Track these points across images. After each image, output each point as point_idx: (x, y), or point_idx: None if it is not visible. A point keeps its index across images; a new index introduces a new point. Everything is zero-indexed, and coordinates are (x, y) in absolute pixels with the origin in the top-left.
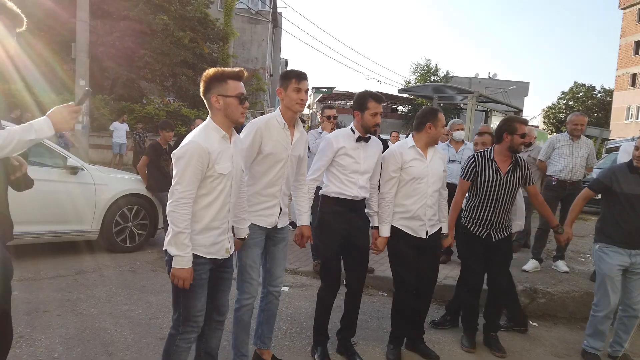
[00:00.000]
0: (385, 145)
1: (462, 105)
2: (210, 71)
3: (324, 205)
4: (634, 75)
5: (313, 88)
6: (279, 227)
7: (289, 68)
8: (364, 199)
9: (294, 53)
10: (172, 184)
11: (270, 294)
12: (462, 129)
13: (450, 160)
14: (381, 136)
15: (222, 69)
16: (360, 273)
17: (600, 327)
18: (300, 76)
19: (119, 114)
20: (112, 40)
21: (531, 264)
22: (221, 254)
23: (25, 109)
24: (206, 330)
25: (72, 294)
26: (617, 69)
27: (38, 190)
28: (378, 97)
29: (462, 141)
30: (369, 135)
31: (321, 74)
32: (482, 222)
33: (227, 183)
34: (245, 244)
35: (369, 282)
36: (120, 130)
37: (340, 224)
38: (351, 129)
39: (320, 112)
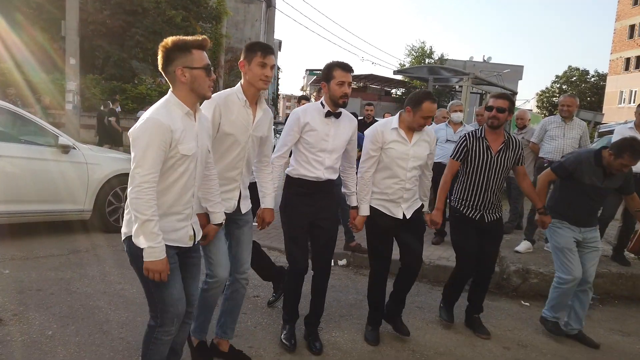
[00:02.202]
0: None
1: (457, 87)
2: (171, 40)
3: (288, 186)
4: (627, 60)
5: (307, 70)
6: (242, 211)
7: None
8: (330, 180)
9: (288, 34)
10: (132, 167)
11: (237, 282)
12: (460, 111)
13: (447, 140)
14: (375, 118)
15: (183, 37)
16: (326, 256)
17: (564, 299)
18: (267, 49)
19: (111, 94)
20: (102, 19)
21: (524, 245)
22: (184, 241)
23: (17, 88)
24: None
25: (66, 273)
26: (611, 53)
27: (29, 168)
28: (345, 65)
29: (461, 123)
30: (340, 110)
31: (316, 55)
32: (474, 204)
33: (191, 165)
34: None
35: (364, 262)
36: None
37: (305, 205)
38: (321, 103)
39: (316, 93)
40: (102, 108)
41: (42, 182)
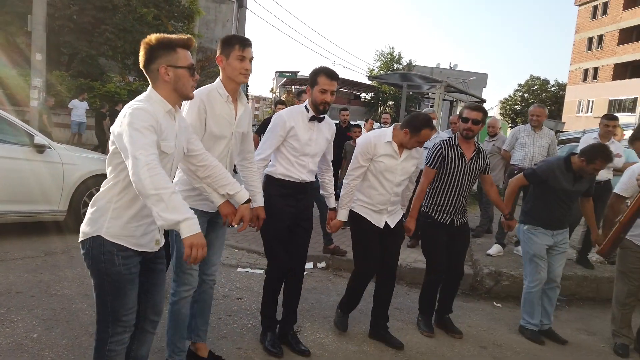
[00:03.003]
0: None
1: (430, 94)
2: (155, 37)
3: (270, 187)
4: (586, 71)
5: (277, 72)
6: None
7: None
8: (311, 182)
9: (259, 35)
10: (129, 155)
11: (204, 283)
12: (434, 118)
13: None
14: (351, 123)
15: (168, 35)
16: (303, 256)
17: (535, 302)
18: (245, 42)
19: (78, 91)
20: (70, 14)
21: (495, 249)
22: (151, 246)
23: None
24: (137, 334)
25: (44, 275)
26: (570, 64)
27: (2, 168)
28: (331, 73)
29: (435, 129)
30: (322, 115)
31: (286, 58)
32: (446, 209)
33: (167, 165)
34: None
35: (343, 265)
36: (79, 109)
37: (288, 206)
38: (305, 106)
39: (296, 96)
40: (101, 110)
41: (16, 181)
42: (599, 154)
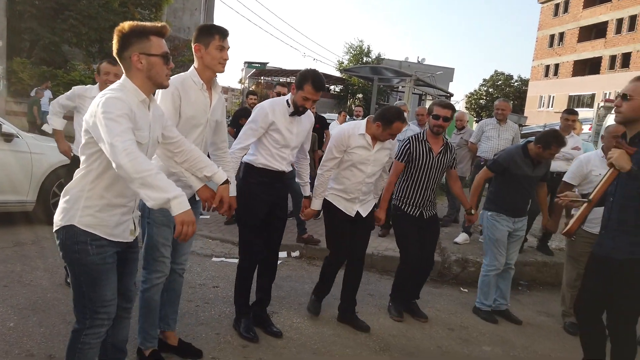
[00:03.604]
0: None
1: (399, 87)
2: (128, 24)
3: (250, 175)
4: (547, 67)
5: (246, 62)
6: (196, 198)
7: None
8: (290, 172)
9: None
10: (106, 144)
11: (174, 272)
12: (405, 111)
13: None
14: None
15: (142, 22)
16: (277, 243)
17: (491, 284)
18: (224, 33)
19: (41, 79)
20: None
21: (461, 237)
22: (125, 236)
23: None
24: (113, 321)
25: (15, 266)
26: (533, 60)
27: None
28: (318, 84)
29: (406, 122)
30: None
31: (255, 48)
32: (415, 202)
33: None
34: (156, 220)
35: (316, 254)
36: (42, 98)
37: (266, 194)
38: (287, 101)
39: (272, 88)
40: None
41: None
42: (553, 139)
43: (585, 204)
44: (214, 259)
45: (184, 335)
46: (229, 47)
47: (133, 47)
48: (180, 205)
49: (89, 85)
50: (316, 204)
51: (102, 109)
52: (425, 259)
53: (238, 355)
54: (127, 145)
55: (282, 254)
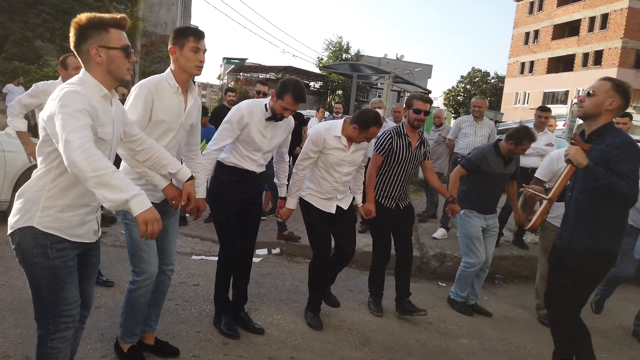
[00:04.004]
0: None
1: (378, 84)
2: (85, 16)
3: (221, 173)
4: (523, 64)
5: (224, 58)
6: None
7: None
8: (261, 173)
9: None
10: (60, 139)
11: (162, 274)
12: (381, 108)
13: None
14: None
15: (99, 14)
16: (252, 240)
17: (469, 280)
18: (199, 34)
19: (12, 75)
20: None
21: (440, 232)
22: (89, 237)
23: None
24: None
25: None
26: (509, 57)
27: None
28: (299, 96)
29: (383, 118)
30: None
31: (234, 44)
32: (391, 195)
33: (105, 152)
34: (133, 220)
35: (297, 250)
36: (14, 94)
37: (237, 192)
38: (265, 105)
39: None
40: None
41: None
42: (525, 135)
43: (545, 201)
44: (194, 257)
45: (165, 334)
46: (205, 49)
47: (91, 40)
48: (140, 204)
49: (52, 81)
50: (291, 203)
51: (59, 103)
52: (404, 248)
53: (219, 353)
54: (83, 141)
55: (263, 251)
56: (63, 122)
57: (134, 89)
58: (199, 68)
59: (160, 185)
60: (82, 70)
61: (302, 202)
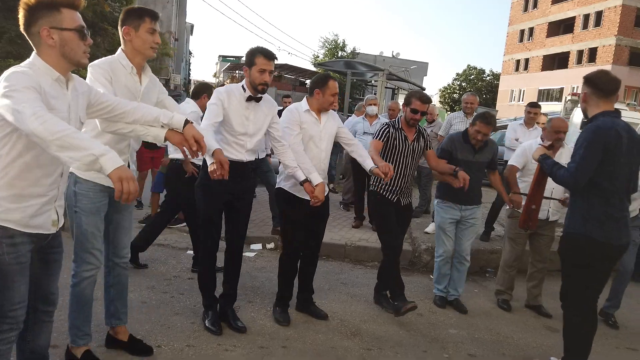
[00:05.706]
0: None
1: (373, 81)
2: None
3: (206, 167)
4: (518, 61)
5: (220, 56)
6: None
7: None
8: (250, 162)
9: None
10: (10, 114)
11: (117, 266)
12: (375, 104)
13: (364, 133)
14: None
15: None
16: (241, 234)
17: (442, 270)
18: (155, 15)
19: None
20: None
21: (432, 227)
22: (46, 227)
23: None
24: (31, 325)
25: None
26: (504, 55)
27: None
28: (268, 53)
29: (376, 115)
30: (260, 95)
31: (230, 42)
32: (392, 188)
33: None
34: (84, 208)
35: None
36: None
37: (224, 187)
38: (242, 86)
39: (230, 80)
40: None
41: None
42: (479, 117)
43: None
44: (188, 251)
45: (160, 325)
46: (158, 31)
47: (41, 20)
48: (112, 162)
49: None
50: (315, 178)
51: (5, 83)
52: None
53: (212, 342)
54: (35, 110)
55: (257, 246)
56: (11, 99)
57: (91, 69)
58: (155, 50)
59: (160, 135)
60: (33, 53)
61: (283, 193)
